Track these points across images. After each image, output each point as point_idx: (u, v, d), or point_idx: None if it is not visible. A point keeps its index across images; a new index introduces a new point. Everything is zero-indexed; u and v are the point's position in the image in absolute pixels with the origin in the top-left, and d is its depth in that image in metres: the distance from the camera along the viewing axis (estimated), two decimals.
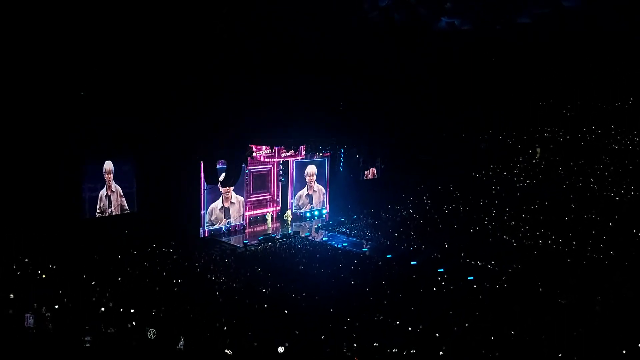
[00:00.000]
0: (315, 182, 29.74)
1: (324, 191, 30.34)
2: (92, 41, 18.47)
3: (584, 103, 31.17)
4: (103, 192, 21.67)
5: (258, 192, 27.65)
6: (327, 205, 30.49)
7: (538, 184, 29.90)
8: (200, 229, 24.54)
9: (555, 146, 31.81)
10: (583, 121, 31.19)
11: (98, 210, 21.56)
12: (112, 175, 21.92)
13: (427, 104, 29.19)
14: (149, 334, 10.49)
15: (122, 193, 22.31)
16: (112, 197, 21.97)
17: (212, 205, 25.04)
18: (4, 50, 17.36)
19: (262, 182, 27.92)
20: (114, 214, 21.97)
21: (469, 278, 18.71)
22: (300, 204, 29.30)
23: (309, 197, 29.65)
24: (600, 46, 23.94)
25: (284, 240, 24.49)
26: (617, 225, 24.47)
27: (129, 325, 11.31)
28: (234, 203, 25.92)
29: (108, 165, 21.77)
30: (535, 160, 32.40)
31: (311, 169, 29.39)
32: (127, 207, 22.45)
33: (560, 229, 24.46)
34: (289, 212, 28.10)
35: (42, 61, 18.21)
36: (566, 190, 28.43)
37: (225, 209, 25.59)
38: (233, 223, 25.92)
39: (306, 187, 29.40)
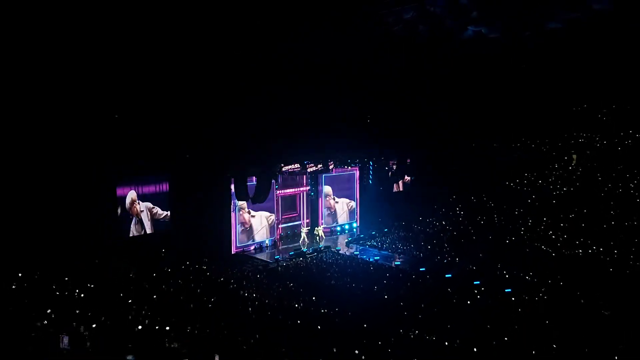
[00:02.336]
0: (335, 197, 29.56)
1: (348, 201, 30.12)
2: (122, 60, 19.05)
3: (620, 107, 30.26)
4: (133, 220, 22.01)
5: (287, 213, 27.85)
6: (358, 219, 30.34)
7: (575, 191, 29.02)
8: (233, 245, 24.77)
9: (592, 152, 30.90)
10: (619, 125, 30.26)
11: (132, 233, 21.97)
12: (137, 202, 22.09)
13: (457, 113, 28.89)
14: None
15: (153, 212, 22.59)
16: (143, 221, 22.26)
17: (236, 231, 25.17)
18: (48, 74, 18.08)
19: (291, 203, 28.12)
20: (147, 232, 22.35)
21: (506, 290, 18.21)
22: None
23: (332, 214, 29.52)
24: (634, 48, 23.24)
25: (314, 255, 24.44)
26: None
27: (166, 343, 11.43)
28: (254, 216, 25.74)
29: (130, 196, 21.88)
30: (572, 167, 31.50)
31: (327, 189, 29.16)
32: (160, 227, 22.80)
33: (601, 237, 23.64)
34: (319, 227, 28.06)
35: (83, 81, 18.87)
36: (605, 197, 27.50)
37: (247, 230, 25.56)
38: (258, 240, 25.93)
39: (324, 208, 29.23)
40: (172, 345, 10.88)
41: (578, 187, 29.23)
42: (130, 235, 21.84)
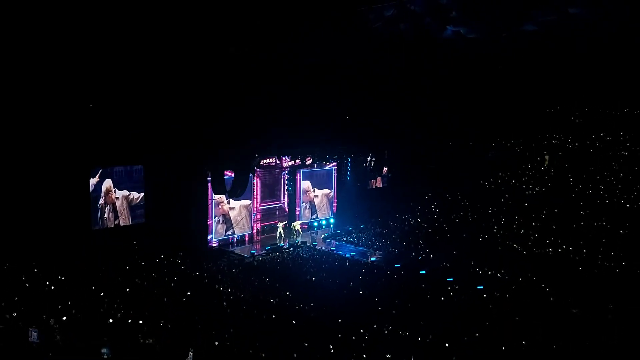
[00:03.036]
0: (315, 189, 29.55)
1: (328, 191, 30.13)
2: (100, 49, 18.67)
3: (593, 109, 30.99)
4: (108, 208, 21.59)
5: (267, 201, 27.66)
6: (334, 214, 30.43)
7: (547, 191, 29.65)
8: (208, 239, 24.54)
9: (564, 153, 31.58)
10: (592, 128, 30.99)
11: (106, 223, 21.57)
12: (110, 194, 21.70)
13: (434, 112, 29.16)
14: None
15: (129, 199, 22.20)
16: (118, 210, 21.87)
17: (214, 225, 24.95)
18: (19, 58, 17.57)
19: (271, 190, 27.93)
20: (121, 224, 21.97)
21: (478, 287, 18.53)
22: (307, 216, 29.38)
23: (312, 207, 29.50)
24: (607, 52, 23.83)
25: (291, 250, 24.43)
26: (628, 232, 24.18)
27: (140, 337, 11.28)
28: (233, 208, 25.44)
29: (106, 184, 21.53)
30: (544, 167, 32.16)
31: (305, 184, 29.15)
32: (135, 218, 22.43)
33: (571, 236, 24.21)
34: (297, 222, 28.03)
35: (56, 68, 18.41)
36: (576, 198, 28.17)
37: (226, 218, 25.39)
38: (238, 233, 25.79)
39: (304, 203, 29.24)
40: (147, 341, 10.74)
41: (550, 187, 29.86)
42: (105, 226, 21.44)
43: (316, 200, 29.57)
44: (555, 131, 32.05)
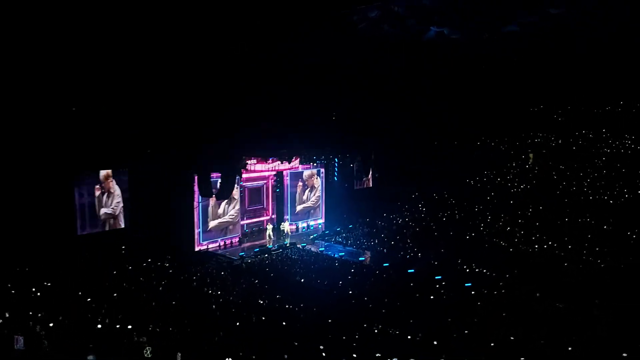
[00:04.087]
0: (315, 180, 30.00)
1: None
2: (86, 46, 18.48)
3: (575, 108, 31.46)
4: (104, 197, 21.41)
5: (254, 205, 27.71)
6: (323, 215, 30.49)
7: (532, 189, 30.01)
8: (195, 242, 24.38)
9: (548, 151, 32.00)
10: (574, 126, 31.45)
11: (103, 217, 21.40)
12: (109, 179, 21.68)
13: (420, 112, 29.35)
14: (146, 353, 10.33)
15: (120, 195, 22.02)
16: (114, 200, 21.75)
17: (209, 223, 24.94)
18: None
19: (257, 196, 27.98)
20: (116, 213, 21.83)
21: (466, 285, 18.69)
22: (307, 211, 29.53)
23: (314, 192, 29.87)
24: (588, 50, 24.21)
25: (280, 252, 24.38)
26: (612, 228, 24.58)
27: (126, 342, 11.17)
28: (223, 211, 25.51)
29: (103, 172, 21.53)
30: (528, 165, 32.56)
31: (307, 172, 29.33)
32: (121, 222, 22.22)
33: (556, 233, 24.54)
34: (285, 223, 28.00)
35: (40, 68, 18.22)
36: (560, 195, 28.55)
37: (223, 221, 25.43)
38: (229, 235, 25.74)
39: (305, 193, 29.43)
40: (142, 339, 10.64)
41: (534, 185, 30.23)
42: (102, 216, 21.40)
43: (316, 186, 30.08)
44: (538, 129, 32.46)
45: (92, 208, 21.21)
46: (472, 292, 17.91)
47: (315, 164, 29.60)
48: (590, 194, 28.17)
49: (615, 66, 25.81)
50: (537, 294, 17.58)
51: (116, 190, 21.89)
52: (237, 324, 14.09)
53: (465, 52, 24.80)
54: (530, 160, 32.87)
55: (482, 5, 20.48)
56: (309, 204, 29.69)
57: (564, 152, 31.28)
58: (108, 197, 21.69)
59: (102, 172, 21.50)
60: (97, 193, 21.30)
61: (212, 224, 24.87)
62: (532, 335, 13.80)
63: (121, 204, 22.03)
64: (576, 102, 31.20)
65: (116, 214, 21.97)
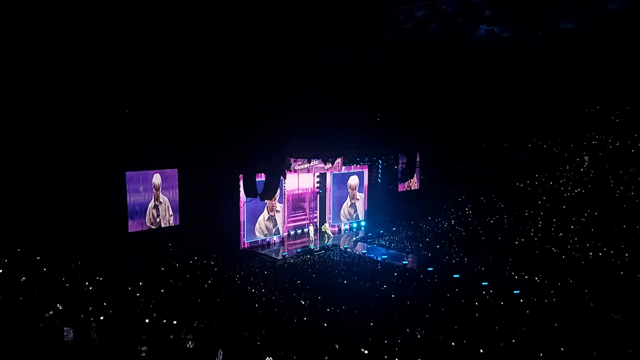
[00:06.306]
0: (357, 192, 29.84)
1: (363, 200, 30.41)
2: (132, 53, 19.10)
3: (633, 108, 29.88)
4: (151, 204, 22.24)
5: (295, 213, 28.16)
6: (365, 217, 30.31)
7: (587, 193, 28.71)
8: (241, 241, 24.82)
9: (604, 154, 30.53)
10: (633, 127, 29.88)
11: (149, 222, 22.14)
12: (160, 189, 22.53)
13: (468, 113, 28.70)
14: (188, 344, 10.59)
15: (169, 205, 22.89)
16: (160, 208, 22.56)
17: (259, 218, 25.40)
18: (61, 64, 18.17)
19: (299, 203, 28.39)
20: (162, 225, 22.55)
21: (514, 292, 18.07)
22: (346, 216, 29.48)
23: (353, 206, 29.74)
24: None
25: (322, 253, 24.42)
26: None
27: (171, 337, 11.46)
28: (279, 211, 26.48)
29: (156, 179, 22.35)
30: (584, 168, 31.16)
31: (353, 180, 29.34)
32: (171, 220, 22.97)
33: (612, 240, 23.36)
34: (326, 225, 28.03)
35: (93, 74, 19.00)
36: (616, 200, 27.17)
37: (272, 218, 26.09)
38: (278, 234, 26.39)
39: (348, 198, 29.41)
40: (188, 337, 10.90)
41: (589, 189, 28.91)
42: (148, 226, 22.14)
43: (357, 204, 30.18)
44: (594, 131, 31.05)
45: (143, 209, 22.04)
46: (521, 300, 17.29)
47: (359, 166, 29.48)
48: None
49: None
50: (591, 304, 16.78)
51: (165, 201, 22.81)
52: (279, 323, 14.18)
53: (516, 51, 23.99)
54: (586, 163, 31.43)
55: (535, 1, 19.75)
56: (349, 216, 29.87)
57: (622, 154, 29.72)
58: (158, 204, 22.59)
59: (154, 181, 22.34)
60: (149, 199, 22.18)
61: (257, 225, 25.37)
62: (584, 347, 13.16)
63: (170, 212, 22.93)
64: (635, 103, 29.63)
65: (166, 218, 22.81)
